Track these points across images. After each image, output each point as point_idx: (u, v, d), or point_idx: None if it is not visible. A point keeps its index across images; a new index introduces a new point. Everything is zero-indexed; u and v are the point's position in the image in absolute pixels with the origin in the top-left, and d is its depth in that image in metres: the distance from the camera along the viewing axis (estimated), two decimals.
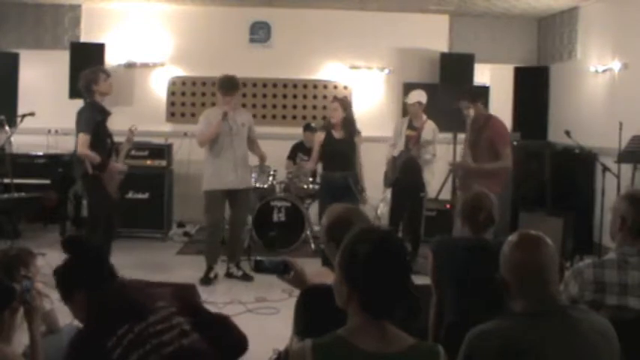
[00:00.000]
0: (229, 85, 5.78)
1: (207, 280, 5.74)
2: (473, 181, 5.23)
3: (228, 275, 5.95)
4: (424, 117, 6.26)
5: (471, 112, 5.53)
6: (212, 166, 5.83)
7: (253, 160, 6.22)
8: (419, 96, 6.24)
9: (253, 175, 6.84)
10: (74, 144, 5.44)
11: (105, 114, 5.32)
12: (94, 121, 5.16)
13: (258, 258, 2.60)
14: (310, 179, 7.07)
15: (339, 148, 5.96)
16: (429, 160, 6.17)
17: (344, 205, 2.81)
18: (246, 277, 5.86)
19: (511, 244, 2.05)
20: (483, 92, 5.66)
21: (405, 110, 6.81)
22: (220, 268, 5.98)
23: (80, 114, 5.24)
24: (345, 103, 6.12)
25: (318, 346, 1.75)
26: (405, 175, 6.16)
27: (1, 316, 2.61)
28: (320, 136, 6.12)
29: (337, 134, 5.99)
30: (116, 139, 5.43)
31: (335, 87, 8.54)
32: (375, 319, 1.76)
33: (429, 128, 6.20)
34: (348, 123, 5.97)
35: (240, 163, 5.81)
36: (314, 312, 2.31)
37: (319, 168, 6.57)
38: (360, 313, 1.78)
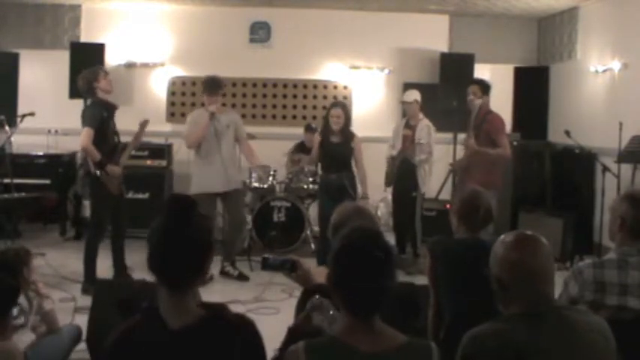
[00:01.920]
0: (214, 85, 5.81)
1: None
2: (475, 174, 5.50)
3: (224, 274, 5.95)
4: (420, 115, 6.35)
5: (478, 101, 5.84)
6: (199, 169, 5.86)
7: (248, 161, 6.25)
8: (415, 94, 6.35)
9: (253, 175, 6.84)
10: (75, 144, 5.47)
11: (110, 109, 5.36)
12: (99, 117, 5.20)
13: (266, 255, 2.59)
14: (310, 179, 7.07)
15: (336, 150, 6.00)
16: (424, 159, 6.22)
17: (351, 204, 2.86)
18: (241, 277, 5.87)
19: (507, 244, 2.03)
20: (491, 88, 6.02)
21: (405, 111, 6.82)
22: (214, 266, 5.98)
23: (85, 111, 5.31)
24: (347, 109, 6.21)
25: (311, 346, 1.76)
26: (401, 176, 6.27)
27: (3, 317, 2.61)
28: (318, 138, 6.17)
29: (334, 138, 6.01)
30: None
31: (335, 87, 8.53)
32: (358, 317, 1.77)
33: (423, 125, 6.28)
34: (346, 127, 6.03)
35: (228, 164, 5.81)
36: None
37: (319, 169, 6.61)
38: (348, 312, 1.79)
